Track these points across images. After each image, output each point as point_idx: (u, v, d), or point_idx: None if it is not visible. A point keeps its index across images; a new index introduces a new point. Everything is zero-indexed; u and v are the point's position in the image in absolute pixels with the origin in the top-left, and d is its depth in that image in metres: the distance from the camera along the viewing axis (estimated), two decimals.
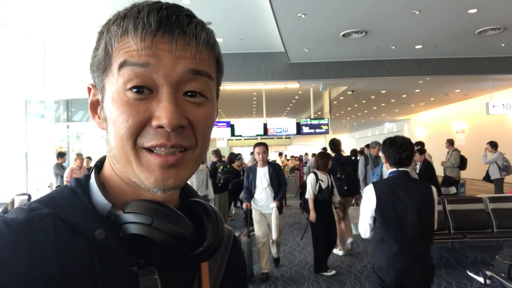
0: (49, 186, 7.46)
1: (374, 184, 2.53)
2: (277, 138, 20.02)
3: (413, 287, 2.41)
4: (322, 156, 5.10)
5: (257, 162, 5.06)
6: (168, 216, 0.52)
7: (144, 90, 0.49)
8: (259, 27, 7.64)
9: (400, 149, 2.51)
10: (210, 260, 0.62)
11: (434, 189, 2.46)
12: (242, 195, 5.71)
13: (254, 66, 9.43)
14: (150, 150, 0.50)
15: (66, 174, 7.03)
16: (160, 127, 0.48)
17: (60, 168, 7.92)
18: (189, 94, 0.51)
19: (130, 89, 0.49)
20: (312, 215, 4.75)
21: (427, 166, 7.06)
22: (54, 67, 9.98)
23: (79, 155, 7.34)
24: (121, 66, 0.49)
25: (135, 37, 0.49)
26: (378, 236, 2.47)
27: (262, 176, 4.93)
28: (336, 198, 5.08)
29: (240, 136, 11.21)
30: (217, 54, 0.56)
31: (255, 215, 4.94)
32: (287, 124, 11.19)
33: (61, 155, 8.19)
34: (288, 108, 18.54)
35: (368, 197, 2.49)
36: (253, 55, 9.36)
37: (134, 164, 0.51)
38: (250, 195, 4.99)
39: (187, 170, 0.53)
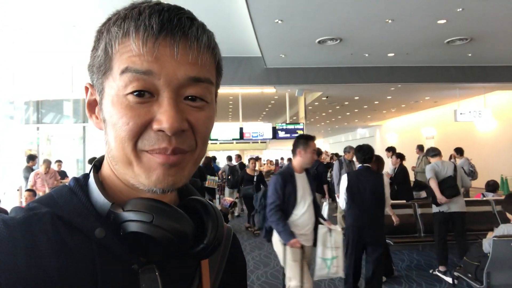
0: (18, 190, 7.20)
1: (348, 173, 4.17)
2: (253, 143, 20.05)
3: (371, 244, 3.87)
4: (379, 161, 4.79)
5: (287, 166, 3.48)
6: (168, 214, 0.52)
7: (145, 94, 0.49)
8: (237, 31, 7.67)
9: (365, 153, 4.01)
10: (210, 258, 0.62)
11: (385, 178, 4.00)
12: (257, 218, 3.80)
13: (231, 70, 9.41)
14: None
15: (30, 178, 6.84)
16: (161, 130, 0.49)
17: (30, 171, 7.65)
18: (189, 98, 0.52)
19: (131, 93, 0.49)
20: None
21: (402, 170, 7.28)
22: (25, 66, 9.68)
23: (46, 161, 7.15)
24: (123, 72, 0.49)
25: (137, 40, 0.48)
26: (348, 205, 3.96)
27: (304, 186, 3.32)
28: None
29: (216, 140, 11.19)
30: (217, 57, 0.56)
31: (294, 254, 3.19)
32: (263, 128, 11.24)
33: (31, 158, 7.93)
34: (264, 113, 18.62)
35: (343, 181, 4.02)
36: (230, 59, 9.34)
37: (135, 164, 0.51)
38: (287, 222, 3.19)
39: (186, 170, 0.53)
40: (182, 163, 0.52)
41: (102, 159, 0.60)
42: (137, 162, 0.51)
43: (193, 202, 0.61)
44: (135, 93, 0.49)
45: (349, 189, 3.93)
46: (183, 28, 0.50)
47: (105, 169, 0.58)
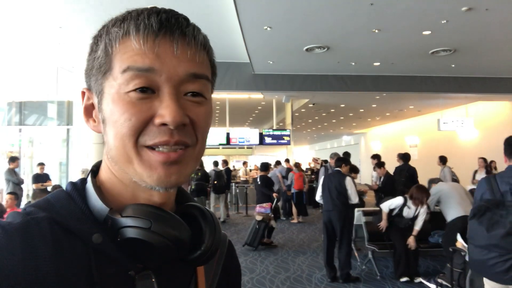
0: None
1: (324, 176, 5.75)
2: (239, 148, 20.04)
3: (338, 225, 5.08)
4: (418, 190, 5.03)
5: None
6: (166, 220, 0.52)
7: (147, 90, 0.50)
8: (225, 37, 7.69)
9: (337, 161, 5.59)
10: (206, 264, 0.62)
11: (347, 178, 5.22)
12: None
13: (219, 76, 9.03)
14: (152, 148, 0.51)
15: None
16: (163, 124, 0.49)
17: (12, 173, 7.48)
18: (189, 94, 0.53)
19: (133, 90, 0.50)
20: (383, 224, 5.18)
21: (389, 178, 7.36)
22: (7, 67, 9.50)
23: None
24: (124, 71, 0.50)
25: (137, 38, 0.50)
26: (322, 197, 5.47)
27: None
28: (416, 226, 5.01)
29: None
30: (211, 56, 0.58)
31: None
32: (249, 134, 11.26)
33: (13, 159, 7.76)
34: (251, 118, 18.66)
35: (321, 181, 5.72)
36: (218, 64, 8.78)
37: (136, 162, 0.51)
38: None
39: (188, 167, 0.53)
40: (183, 160, 0.52)
41: (99, 163, 0.60)
42: (138, 160, 0.51)
43: (190, 208, 0.61)
44: (137, 90, 0.50)
45: (322, 186, 5.46)
46: (181, 27, 0.52)
47: (104, 172, 0.58)
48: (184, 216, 0.57)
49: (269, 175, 11.50)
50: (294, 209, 10.13)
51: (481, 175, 8.52)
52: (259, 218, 6.88)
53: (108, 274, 0.50)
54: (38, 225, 0.48)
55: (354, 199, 5.10)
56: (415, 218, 5.04)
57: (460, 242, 4.24)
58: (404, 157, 8.23)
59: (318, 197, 5.64)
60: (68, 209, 0.52)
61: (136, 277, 0.52)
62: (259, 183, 7.63)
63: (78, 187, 0.57)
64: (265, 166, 7.89)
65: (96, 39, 0.55)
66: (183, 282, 0.60)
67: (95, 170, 0.60)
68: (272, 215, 7.09)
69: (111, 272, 0.51)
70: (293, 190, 10.06)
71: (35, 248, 0.45)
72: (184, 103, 0.52)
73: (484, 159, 8.64)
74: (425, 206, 5.01)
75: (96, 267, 0.49)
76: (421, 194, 4.95)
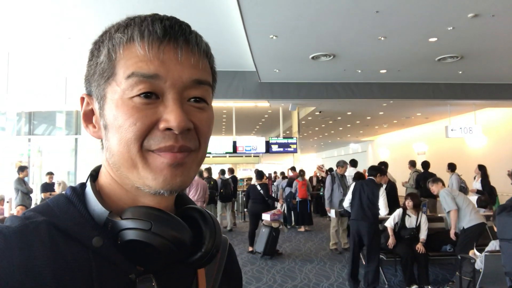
0: (7, 202, 7.07)
1: (355, 182, 5.46)
2: (246, 156, 20.03)
3: (367, 237, 4.92)
4: (408, 196, 5.49)
5: None
6: (166, 222, 0.51)
7: (152, 95, 0.50)
8: (231, 46, 7.73)
9: (371, 170, 5.35)
10: (207, 268, 0.62)
11: (381, 188, 5.27)
12: None
13: (225, 84, 9.44)
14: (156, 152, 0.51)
15: None
16: (168, 129, 0.50)
17: (21, 183, 7.55)
18: (192, 99, 0.54)
19: (138, 95, 0.50)
20: (391, 241, 5.20)
21: (392, 187, 7.30)
22: (18, 77, 9.63)
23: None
24: (129, 76, 0.50)
25: (142, 44, 0.50)
26: (351, 206, 5.27)
27: None
28: (422, 235, 5.23)
29: (209, 153, 11.17)
30: (212, 63, 0.59)
31: None
32: (256, 142, 11.25)
33: (22, 169, 7.84)
34: (258, 127, 18.67)
35: (350, 188, 5.49)
36: (225, 73, 9.37)
37: (141, 166, 0.51)
38: None
39: (191, 170, 0.54)
40: (188, 163, 0.53)
41: (98, 168, 0.60)
42: (143, 164, 0.51)
43: (190, 211, 0.61)
44: (142, 95, 0.50)
45: (353, 194, 5.28)
46: (184, 34, 0.53)
47: (103, 177, 0.58)
48: (183, 219, 0.56)
49: (275, 183, 11.61)
50: (292, 218, 10.24)
51: (476, 182, 8.41)
52: (275, 225, 6.83)
53: (109, 277, 0.50)
54: (36, 228, 0.48)
55: (383, 211, 5.05)
56: (418, 227, 5.21)
57: (472, 250, 4.18)
58: (425, 164, 8.42)
59: (347, 203, 5.51)
60: (67, 213, 0.52)
61: (137, 281, 0.52)
62: (261, 191, 7.59)
63: (78, 191, 0.57)
64: (261, 174, 8.00)
65: (98, 44, 0.55)
66: (184, 285, 0.60)
67: (94, 174, 0.60)
68: (283, 222, 7.13)
69: (112, 276, 0.50)
70: (297, 199, 10.00)
71: (33, 252, 0.45)
72: (188, 109, 0.53)
73: (480, 166, 8.53)
74: (424, 216, 5.32)
75: (96, 270, 0.49)
76: (407, 198, 5.38)
